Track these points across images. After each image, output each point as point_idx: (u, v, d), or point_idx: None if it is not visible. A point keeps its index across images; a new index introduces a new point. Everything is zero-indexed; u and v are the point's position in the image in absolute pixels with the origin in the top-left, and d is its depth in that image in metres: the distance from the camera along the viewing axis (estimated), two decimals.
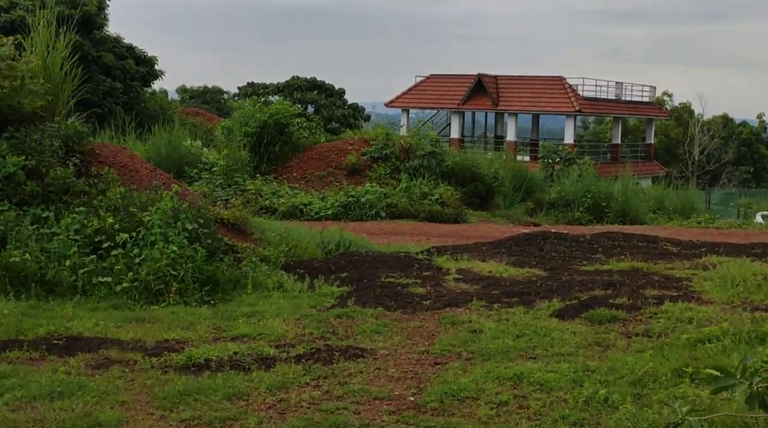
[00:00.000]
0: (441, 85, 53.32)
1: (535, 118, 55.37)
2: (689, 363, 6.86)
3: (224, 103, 64.14)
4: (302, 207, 21.21)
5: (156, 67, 40.61)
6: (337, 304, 9.76)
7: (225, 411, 6.15)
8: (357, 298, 9.94)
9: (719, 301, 9.37)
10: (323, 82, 59.26)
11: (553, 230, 18.03)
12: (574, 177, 27.13)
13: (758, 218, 25.47)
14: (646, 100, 57.40)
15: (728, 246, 13.93)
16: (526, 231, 18.20)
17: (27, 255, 10.05)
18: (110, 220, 10.66)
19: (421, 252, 13.63)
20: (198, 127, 35.03)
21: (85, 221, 10.71)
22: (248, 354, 7.56)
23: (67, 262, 10.14)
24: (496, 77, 51.93)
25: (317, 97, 57.42)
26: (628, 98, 55.10)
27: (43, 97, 12.01)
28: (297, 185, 23.89)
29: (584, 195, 25.49)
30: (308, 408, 6.23)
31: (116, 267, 10.11)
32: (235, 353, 7.58)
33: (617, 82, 53.89)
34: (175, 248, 10.22)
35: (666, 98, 73.34)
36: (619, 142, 55.87)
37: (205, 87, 70.98)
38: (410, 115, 53.40)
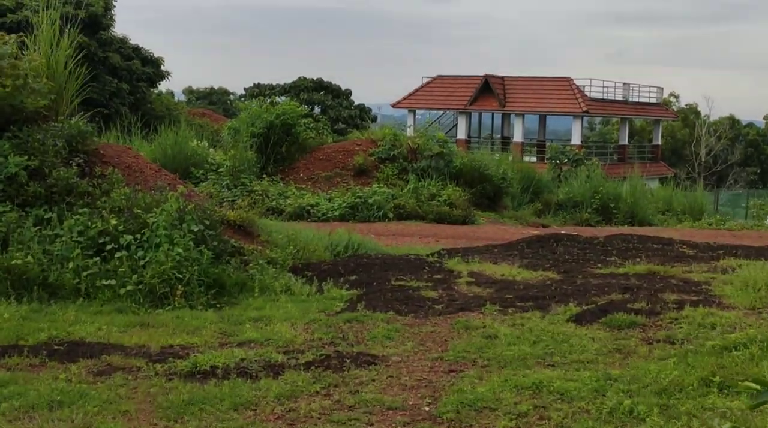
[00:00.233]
0: (448, 85, 53.08)
1: (542, 118, 55.08)
2: (716, 371, 6.57)
3: (230, 104, 64.02)
4: (309, 208, 20.97)
5: (162, 67, 40.42)
6: (347, 308, 9.50)
7: (232, 421, 5.88)
8: (367, 302, 9.67)
9: (741, 306, 9.07)
10: (330, 83, 59.09)
11: (563, 232, 17.77)
12: (582, 178, 26.88)
13: None
14: (653, 101, 57.11)
15: (745, 249, 13.65)
16: (536, 232, 17.94)
17: (29, 258, 9.80)
18: (114, 222, 10.41)
19: (431, 254, 13.37)
20: (204, 127, 34.78)
21: (89, 222, 10.46)
22: (256, 360, 7.29)
23: (70, 265, 9.88)
24: (503, 78, 51.69)
25: (324, 97, 57.24)
26: (635, 99, 54.81)
27: (47, 96, 11.76)
28: (304, 186, 23.65)
29: (592, 196, 25.26)
30: (319, 418, 5.96)
31: (120, 269, 9.86)
32: (242, 359, 7.31)
33: (624, 83, 53.63)
34: (180, 250, 9.97)
35: (672, 99, 73.10)
36: (626, 143, 55.56)
37: (212, 88, 70.85)
38: (417, 116, 53.19)
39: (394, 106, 55.13)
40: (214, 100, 67.66)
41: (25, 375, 6.80)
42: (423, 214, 21.28)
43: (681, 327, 8.20)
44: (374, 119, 60.07)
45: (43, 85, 11.62)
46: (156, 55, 40.00)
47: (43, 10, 12.79)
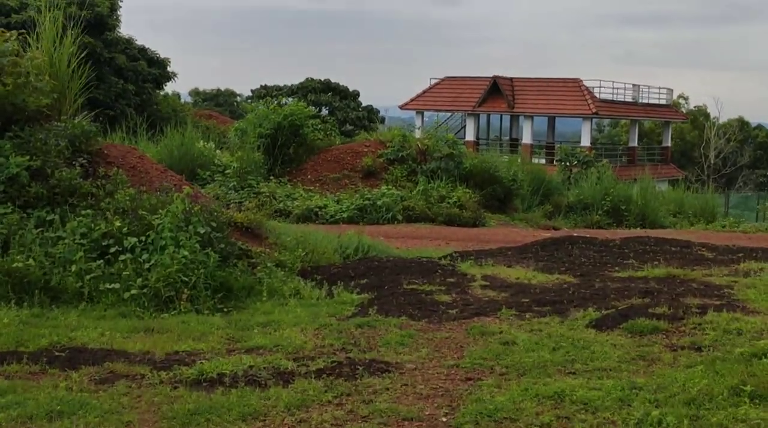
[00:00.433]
0: (456, 87, 52.80)
1: (551, 120, 54.79)
2: (746, 380, 6.24)
3: (237, 105, 63.86)
4: (317, 210, 20.69)
5: (168, 69, 40.26)
6: (358, 313, 9.20)
7: None
8: (379, 306, 9.37)
9: (766, 311, 8.76)
10: (337, 84, 58.86)
11: (575, 234, 17.47)
12: (593, 180, 26.59)
13: None
14: (663, 102, 56.77)
15: (764, 252, 13.32)
16: (548, 235, 17.64)
17: (30, 261, 9.51)
18: (118, 224, 10.12)
19: (443, 257, 13.07)
20: (211, 129, 34.54)
21: (92, 224, 10.17)
22: (264, 368, 6.99)
23: (73, 268, 9.59)
24: (511, 79, 51.40)
25: (331, 99, 57.02)
26: (645, 101, 54.45)
27: (49, 95, 11.48)
28: (312, 187, 23.37)
29: (603, 198, 24.97)
30: None
31: (124, 273, 9.57)
32: (251, 367, 7.01)
33: (634, 85, 53.32)
34: (186, 253, 9.68)
35: (682, 101, 72.73)
36: (635, 144, 55.21)
37: (218, 89, 70.78)
38: (425, 118, 52.92)
39: (402, 107, 54.87)
40: (220, 101, 67.56)
41: (24, 383, 6.51)
42: (432, 216, 20.97)
43: (706, 333, 7.89)
44: (382, 121, 59.80)
45: (46, 84, 11.35)
46: (162, 56, 39.84)
47: (47, 9, 12.54)
